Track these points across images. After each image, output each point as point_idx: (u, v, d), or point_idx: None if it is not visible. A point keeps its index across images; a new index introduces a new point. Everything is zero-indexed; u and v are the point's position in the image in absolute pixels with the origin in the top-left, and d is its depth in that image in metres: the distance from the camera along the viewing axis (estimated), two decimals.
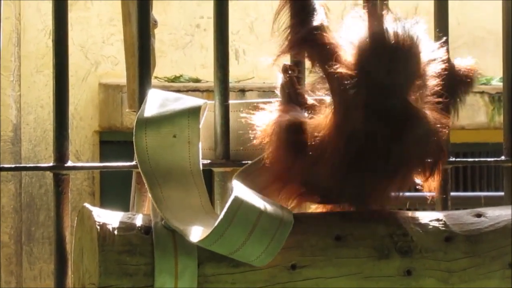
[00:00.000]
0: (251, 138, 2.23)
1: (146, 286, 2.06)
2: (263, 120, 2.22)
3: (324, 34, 2.18)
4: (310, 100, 2.27)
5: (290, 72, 2.32)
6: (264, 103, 2.28)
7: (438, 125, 2.16)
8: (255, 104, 2.29)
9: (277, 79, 2.33)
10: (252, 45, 6.94)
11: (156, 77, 6.33)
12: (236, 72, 6.33)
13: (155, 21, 2.84)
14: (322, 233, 2.16)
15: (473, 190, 6.94)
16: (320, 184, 2.18)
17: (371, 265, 2.15)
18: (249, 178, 2.20)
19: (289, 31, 2.22)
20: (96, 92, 6.67)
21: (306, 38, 2.19)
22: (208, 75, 5.98)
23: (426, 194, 2.28)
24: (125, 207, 2.54)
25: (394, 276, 2.16)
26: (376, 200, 2.19)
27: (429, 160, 2.21)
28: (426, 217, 2.24)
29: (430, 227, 2.21)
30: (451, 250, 2.19)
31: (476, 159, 2.64)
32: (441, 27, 2.45)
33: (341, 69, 2.11)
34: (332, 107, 2.14)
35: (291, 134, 2.16)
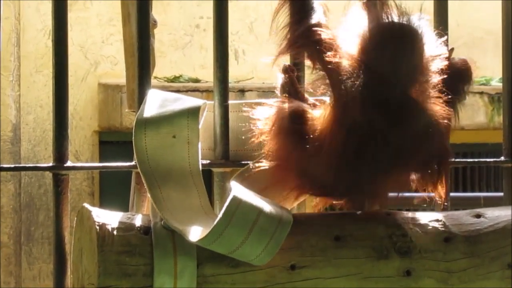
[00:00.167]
0: (251, 136, 2.23)
1: (145, 287, 2.06)
2: (265, 113, 2.21)
3: (323, 30, 2.17)
4: (310, 100, 2.27)
5: (290, 72, 2.32)
6: (264, 103, 2.28)
7: (440, 120, 2.15)
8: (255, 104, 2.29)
9: (277, 79, 2.33)
10: (251, 45, 6.94)
11: (155, 77, 6.33)
12: (235, 73, 6.33)
13: (155, 21, 2.84)
14: (321, 234, 2.16)
15: (472, 191, 6.94)
16: (317, 177, 2.17)
17: (370, 266, 2.15)
18: (247, 180, 2.20)
19: (288, 29, 2.22)
20: (96, 92, 6.66)
21: (305, 35, 2.19)
22: (207, 75, 5.99)
23: (425, 194, 2.28)
24: (125, 208, 2.54)
25: (393, 277, 2.16)
26: (374, 194, 2.19)
27: (433, 162, 2.19)
28: (425, 217, 2.24)
29: (430, 227, 2.21)
30: (450, 251, 2.19)
31: (476, 160, 2.65)
32: (441, 27, 2.45)
33: (341, 60, 2.10)
34: (332, 100, 2.14)
35: (293, 122, 2.16)
